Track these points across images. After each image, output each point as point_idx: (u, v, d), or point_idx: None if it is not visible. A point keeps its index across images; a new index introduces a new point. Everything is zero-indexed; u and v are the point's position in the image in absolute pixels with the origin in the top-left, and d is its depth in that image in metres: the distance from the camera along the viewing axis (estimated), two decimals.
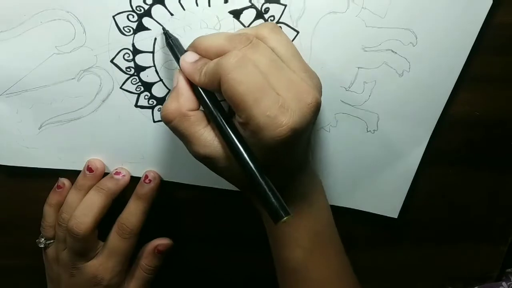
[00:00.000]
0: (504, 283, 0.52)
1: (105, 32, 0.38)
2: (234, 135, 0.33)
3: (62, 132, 0.43)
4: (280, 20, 0.38)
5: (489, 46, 0.43)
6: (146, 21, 0.38)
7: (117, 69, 0.40)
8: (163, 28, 0.38)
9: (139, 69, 0.40)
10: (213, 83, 0.33)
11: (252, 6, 0.38)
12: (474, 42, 0.41)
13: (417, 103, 0.43)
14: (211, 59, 0.34)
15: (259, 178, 0.32)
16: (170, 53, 0.38)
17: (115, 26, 0.38)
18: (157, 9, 0.38)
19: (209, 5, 0.38)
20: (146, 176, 0.45)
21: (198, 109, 0.35)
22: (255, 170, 0.32)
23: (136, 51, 0.39)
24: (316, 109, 0.33)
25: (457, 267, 0.58)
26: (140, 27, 0.38)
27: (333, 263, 0.42)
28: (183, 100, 0.35)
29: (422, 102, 0.43)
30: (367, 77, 0.41)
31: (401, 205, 0.49)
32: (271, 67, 0.32)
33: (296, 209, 0.39)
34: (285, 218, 0.31)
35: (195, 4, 0.37)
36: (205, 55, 0.35)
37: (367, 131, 0.45)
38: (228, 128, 0.33)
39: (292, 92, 0.32)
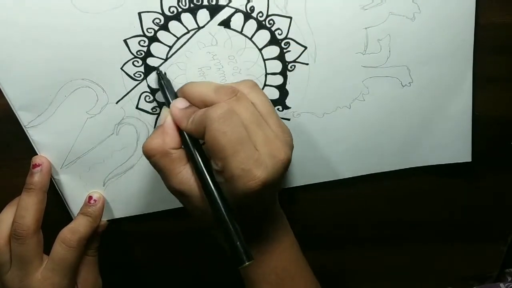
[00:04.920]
0: (502, 284, 0.49)
1: (121, 84, 0.40)
2: (210, 178, 0.35)
3: (123, 183, 0.46)
4: (269, 13, 0.38)
5: (489, 46, 0.42)
6: (150, 61, 0.40)
7: (145, 113, 0.42)
8: (157, 69, 0.40)
9: (163, 106, 0.42)
10: (198, 130, 0.35)
11: (238, 10, 0.38)
12: (474, 43, 0.41)
13: (441, 38, 0.40)
14: (198, 106, 0.36)
15: (228, 222, 0.35)
16: (183, 83, 0.40)
17: (126, 76, 0.40)
18: (155, 47, 0.39)
19: (198, 26, 0.38)
20: (91, 197, 0.46)
21: (180, 148, 0.37)
22: (225, 214, 0.35)
23: (153, 91, 0.41)
24: (287, 165, 0.35)
25: (457, 267, 0.58)
26: (148, 68, 0.40)
27: None
28: (168, 139, 0.37)
29: (447, 35, 0.40)
30: (379, 34, 0.40)
31: (470, 146, 0.46)
32: (252, 121, 0.34)
33: (262, 248, 0.40)
34: (246, 263, 0.34)
35: (185, 29, 0.39)
36: (192, 101, 0.37)
37: (403, 86, 0.43)
38: (205, 171, 0.36)
39: (268, 148, 0.34)
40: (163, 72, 0.40)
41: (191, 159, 0.37)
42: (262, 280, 0.42)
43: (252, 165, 0.33)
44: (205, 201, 0.36)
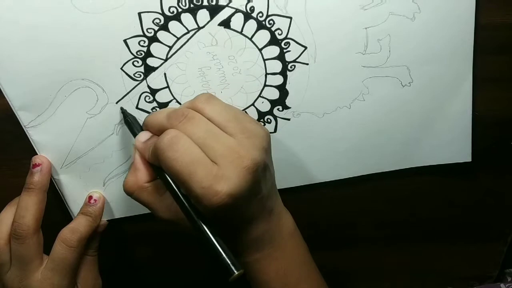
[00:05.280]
0: (502, 284, 0.50)
1: (121, 84, 0.41)
2: (186, 201, 0.36)
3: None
4: (269, 13, 0.38)
5: (489, 46, 0.42)
6: (150, 61, 0.40)
7: (144, 113, 0.42)
8: (121, 108, 0.41)
9: (162, 106, 0.42)
10: (156, 161, 0.36)
11: (238, 10, 0.38)
12: (474, 43, 0.41)
13: (441, 38, 0.41)
14: (158, 136, 0.36)
15: (212, 239, 0.35)
16: (182, 84, 0.40)
17: (126, 76, 0.40)
18: (155, 47, 0.39)
19: (198, 26, 0.38)
20: (91, 197, 0.46)
21: (154, 179, 0.39)
22: (207, 232, 0.35)
23: (153, 91, 0.41)
24: (254, 170, 0.34)
25: (457, 267, 0.58)
26: (148, 68, 0.40)
27: None
28: (140, 174, 0.38)
29: (446, 35, 0.41)
30: (379, 34, 0.40)
31: (470, 145, 0.46)
32: (206, 137, 0.34)
33: (260, 254, 0.40)
34: (235, 274, 0.34)
35: (185, 30, 0.39)
36: (153, 132, 0.38)
37: (403, 86, 0.43)
38: (180, 195, 0.36)
39: (229, 158, 0.34)
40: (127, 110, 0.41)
41: (166, 187, 0.37)
42: (265, 285, 0.42)
43: (212, 181, 0.33)
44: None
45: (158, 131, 0.37)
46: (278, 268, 0.41)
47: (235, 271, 0.34)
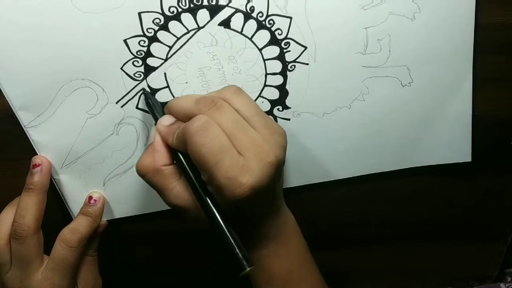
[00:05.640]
0: (502, 284, 0.50)
1: (121, 84, 0.40)
2: (202, 190, 0.36)
3: (123, 183, 0.46)
4: (269, 13, 0.38)
5: (489, 46, 0.42)
6: (150, 61, 0.40)
7: (144, 113, 0.42)
8: (143, 89, 0.41)
9: (162, 106, 0.42)
10: (182, 145, 0.35)
11: (238, 10, 0.38)
12: (474, 43, 0.41)
13: (441, 38, 0.41)
14: (183, 121, 0.37)
15: (225, 231, 0.35)
16: (182, 84, 0.40)
17: (126, 76, 0.40)
18: (155, 47, 0.39)
19: (198, 26, 0.38)
20: (91, 197, 0.46)
21: (171, 164, 0.38)
22: (221, 223, 0.35)
23: (153, 91, 0.41)
24: (277, 166, 0.35)
25: (457, 267, 0.58)
26: (148, 68, 0.40)
27: None
28: (158, 156, 0.38)
29: (447, 35, 0.40)
30: (379, 34, 0.40)
31: (470, 146, 0.46)
32: (235, 127, 0.34)
33: (265, 250, 0.40)
34: (247, 270, 0.34)
35: (185, 30, 0.39)
36: (177, 117, 0.38)
37: (403, 86, 0.43)
38: (197, 183, 0.36)
39: (254, 151, 0.34)
40: (149, 92, 0.41)
41: (183, 173, 0.37)
42: (268, 282, 0.42)
43: (237, 172, 0.33)
44: (201, 212, 0.36)
45: (184, 116, 0.37)
46: (281, 266, 0.41)
47: (247, 266, 0.34)
